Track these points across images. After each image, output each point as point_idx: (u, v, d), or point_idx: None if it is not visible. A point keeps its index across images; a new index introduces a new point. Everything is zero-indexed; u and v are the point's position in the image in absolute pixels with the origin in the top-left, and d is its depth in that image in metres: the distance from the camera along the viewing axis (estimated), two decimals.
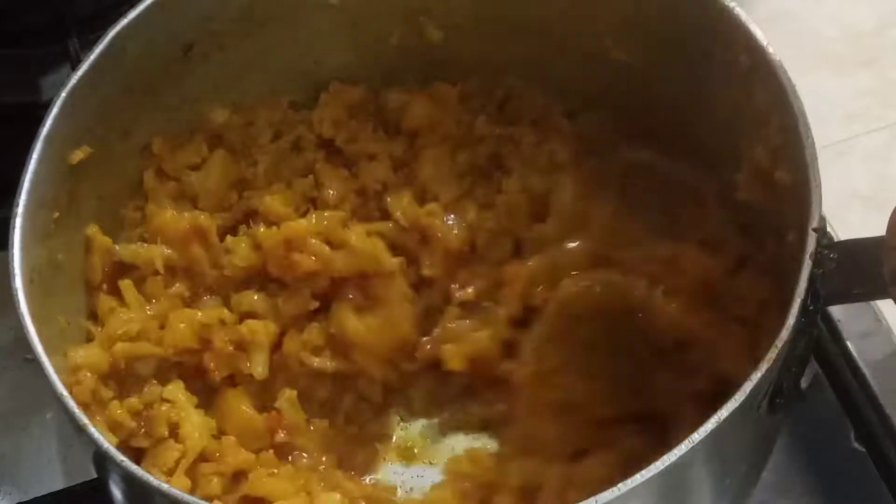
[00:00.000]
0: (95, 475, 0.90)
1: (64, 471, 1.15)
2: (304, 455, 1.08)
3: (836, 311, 1.18)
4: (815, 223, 0.87)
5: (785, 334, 0.84)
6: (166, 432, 1.01)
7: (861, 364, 1.16)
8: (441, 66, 1.20)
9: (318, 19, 1.16)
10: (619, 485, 0.79)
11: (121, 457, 0.85)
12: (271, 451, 1.06)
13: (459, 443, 1.14)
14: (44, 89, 1.27)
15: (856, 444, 1.14)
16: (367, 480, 1.11)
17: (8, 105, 1.31)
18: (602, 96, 1.16)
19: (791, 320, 0.84)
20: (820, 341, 1.17)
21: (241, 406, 1.07)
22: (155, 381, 1.04)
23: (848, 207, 1.30)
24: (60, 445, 1.16)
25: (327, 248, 1.09)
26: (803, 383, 0.89)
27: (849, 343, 1.17)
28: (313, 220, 1.11)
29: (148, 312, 1.07)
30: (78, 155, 1.02)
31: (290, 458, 1.08)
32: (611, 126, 1.16)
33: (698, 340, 1.03)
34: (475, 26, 1.16)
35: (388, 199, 1.15)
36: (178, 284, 1.09)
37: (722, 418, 0.81)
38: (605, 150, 1.16)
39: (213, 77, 1.14)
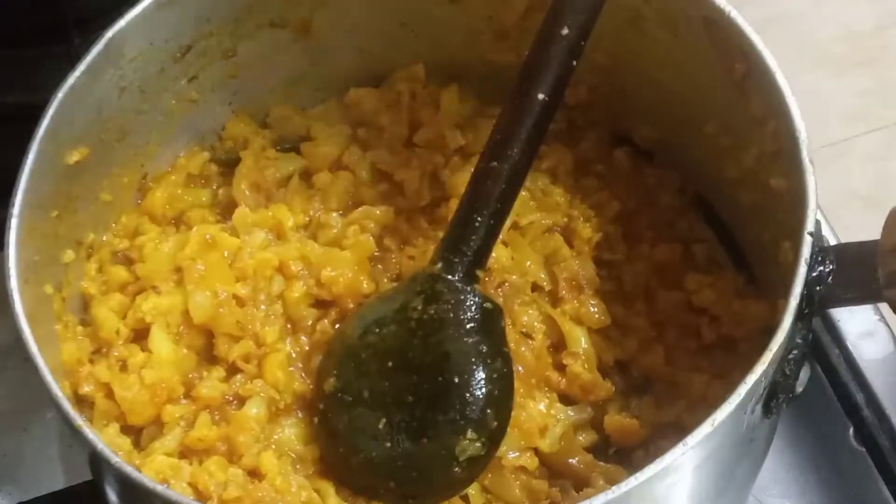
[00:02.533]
0: None
1: (64, 470, 1.15)
2: None
3: (836, 311, 1.18)
4: (810, 227, 0.87)
5: (780, 337, 0.84)
6: None
7: (860, 364, 1.16)
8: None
9: (320, 20, 1.16)
10: (614, 487, 0.80)
11: (115, 458, 0.84)
12: None
13: None
14: (44, 89, 1.26)
15: (855, 444, 1.14)
16: None
17: (8, 105, 1.31)
18: (594, 100, 1.16)
19: (786, 324, 0.84)
20: (819, 341, 1.17)
21: None
22: None
23: (847, 207, 1.30)
24: (61, 445, 1.17)
25: None
26: (798, 387, 0.89)
27: (848, 343, 1.18)
28: None
29: None
30: (75, 155, 1.02)
31: None
32: (602, 131, 1.17)
33: None
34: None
35: None
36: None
37: (717, 422, 0.81)
38: (597, 155, 1.16)
39: (210, 79, 1.14)
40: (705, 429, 0.81)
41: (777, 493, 1.14)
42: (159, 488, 0.83)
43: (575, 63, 0.99)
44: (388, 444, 0.99)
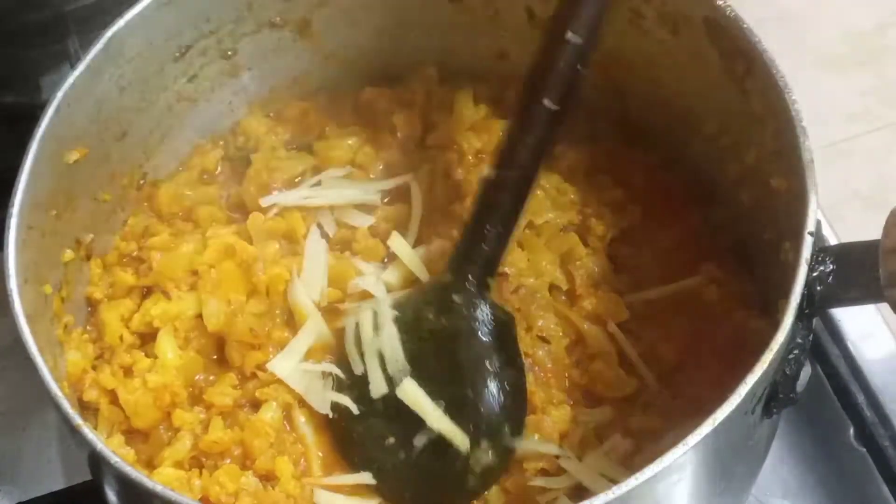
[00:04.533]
0: None
1: (64, 471, 1.15)
2: None
3: (837, 311, 1.18)
4: (811, 227, 0.87)
5: (780, 338, 0.84)
6: None
7: (860, 364, 1.16)
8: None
9: (320, 20, 1.16)
10: (615, 487, 0.79)
11: (115, 458, 0.84)
12: None
13: None
14: (44, 89, 1.28)
15: (855, 444, 1.14)
16: None
17: (8, 105, 1.31)
18: (595, 100, 1.15)
19: (786, 325, 0.84)
20: (820, 341, 1.17)
21: None
22: None
23: (848, 207, 1.30)
24: (60, 445, 1.16)
25: None
26: (798, 387, 0.89)
27: (849, 343, 1.18)
28: None
29: None
30: (74, 155, 1.02)
31: None
32: (612, 129, 1.17)
33: None
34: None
35: None
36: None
37: (717, 422, 0.81)
38: (609, 153, 1.16)
39: (210, 78, 1.14)
40: (705, 429, 0.81)
41: (777, 493, 1.14)
42: (158, 488, 0.83)
43: (580, 67, 0.99)
44: (403, 455, 0.99)
